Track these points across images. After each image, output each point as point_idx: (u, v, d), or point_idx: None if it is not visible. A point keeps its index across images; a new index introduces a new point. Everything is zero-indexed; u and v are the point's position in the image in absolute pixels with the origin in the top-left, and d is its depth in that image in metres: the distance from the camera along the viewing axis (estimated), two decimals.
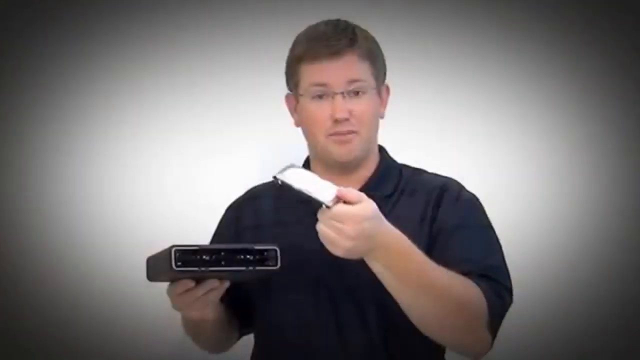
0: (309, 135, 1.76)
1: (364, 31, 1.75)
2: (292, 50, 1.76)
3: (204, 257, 1.51)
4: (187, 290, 1.59)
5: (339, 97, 1.68)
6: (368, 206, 1.49)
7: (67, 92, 2.34)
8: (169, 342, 2.31)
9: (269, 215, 1.80)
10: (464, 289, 1.58)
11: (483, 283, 1.60)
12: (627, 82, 2.38)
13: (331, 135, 1.71)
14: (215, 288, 1.60)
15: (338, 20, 1.75)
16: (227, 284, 1.62)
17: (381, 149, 1.82)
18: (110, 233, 2.32)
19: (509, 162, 2.37)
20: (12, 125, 2.33)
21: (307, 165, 1.81)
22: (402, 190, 1.75)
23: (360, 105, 1.70)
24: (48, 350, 2.31)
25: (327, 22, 1.74)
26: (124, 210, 2.34)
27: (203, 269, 1.50)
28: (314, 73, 1.70)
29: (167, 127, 2.36)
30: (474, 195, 1.76)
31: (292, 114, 1.80)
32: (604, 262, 2.35)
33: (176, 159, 2.36)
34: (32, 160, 2.33)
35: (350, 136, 1.70)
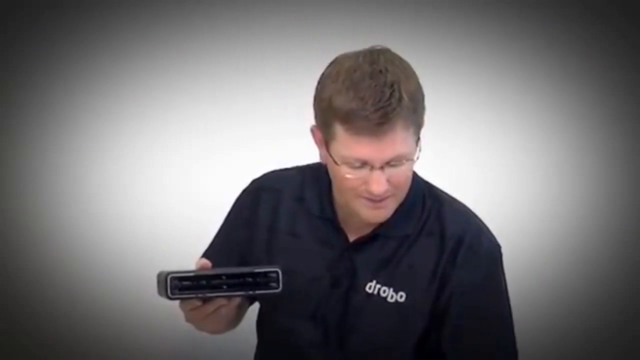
0: (336, 187, 1.64)
1: (406, 77, 1.55)
2: (324, 91, 1.56)
3: (201, 282, 1.47)
4: (196, 308, 1.55)
5: (378, 172, 1.54)
6: None
7: (66, 92, 2.35)
8: (170, 341, 2.32)
9: (285, 222, 1.72)
10: None
11: None
12: (628, 82, 2.38)
13: (362, 198, 1.58)
14: (225, 305, 1.55)
15: (383, 76, 1.52)
16: (238, 301, 1.57)
17: None
18: (110, 233, 2.32)
19: (509, 162, 2.37)
20: (11, 125, 2.34)
21: (327, 185, 1.68)
22: (421, 229, 1.66)
23: (399, 174, 1.56)
24: (48, 350, 2.31)
25: (370, 76, 1.52)
26: (123, 211, 2.34)
27: (200, 295, 1.47)
28: (354, 147, 1.53)
29: (167, 127, 2.36)
30: (494, 248, 1.68)
31: (318, 147, 1.65)
32: (605, 262, 2.35)
33: (176, 159, 2.36)
34: (31, 160, 2.33)
35: (384, 202, 1.58)
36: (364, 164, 1.54)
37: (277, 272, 1.48)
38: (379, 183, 1.54)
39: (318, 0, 2.30)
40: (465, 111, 2.37)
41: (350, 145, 1.53)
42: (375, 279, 1.64)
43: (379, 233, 1.65)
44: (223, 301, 1.53)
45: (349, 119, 1.51)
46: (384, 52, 1.58)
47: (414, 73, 1.59)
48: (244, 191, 1.80)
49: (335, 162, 1.57)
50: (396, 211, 1.63)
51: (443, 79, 2.36)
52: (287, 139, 2.29)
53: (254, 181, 1.80)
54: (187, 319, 1.62)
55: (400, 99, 1.51)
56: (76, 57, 2.34)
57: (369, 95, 1.50)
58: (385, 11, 2.31)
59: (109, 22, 2.35)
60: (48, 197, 2.32)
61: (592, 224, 2.35)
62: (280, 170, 1.81)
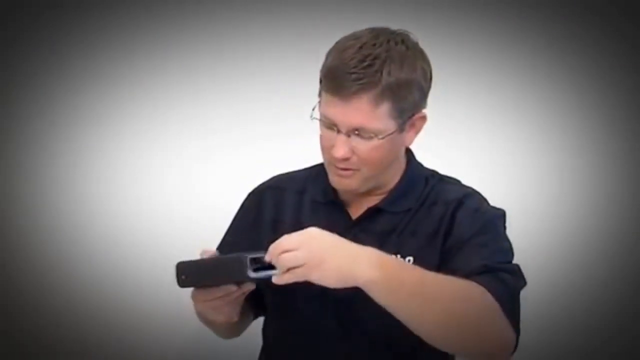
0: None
1: (400, 60, 1.59)
2: (325, 58, 1.64)
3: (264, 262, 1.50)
4: (224, 295, 1.57)
5: (341, 137, 1.61)
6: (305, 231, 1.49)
7: (66, 92, 2.35)
8: (171, 341, 2.32)
9: (289, 213, 1.77)
10: (457, 286, 1.53)
11: (479, 277, 1.56)
12: (628, 82, 2.38)
13: (331, 164, 1.66)
14: (246, 291, 1.58)
15: (372, 48, 1.58)
16: (253, 287, 1.60)
17: (409, 154, 1.75)
18: (110, 233, 2.33)
19: (509, 162, 2.38)
20: (11, 125, 2.34)
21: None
22: (422, 202, 1.70)
23: (366, 147, 1.61)
24: (48, 349, 2.31)
25: (360, 46, 1.58)
26: (124, 210, 2.34)
27: (273, 272, 1.48)
28: (326, 106, 1.61)
29: (167, 127, 2.37)
30: (496, 211, 1.70)
31: None
32: (605, 262, 2.35)
33: (176, 159, 2.37)
34: (31, 161, 2.34)
35: (348, 172, 1.64)
36: (333, 125, 1.61)
37: None
38: (338, 147, 1.60)
39: (318, 0, 2.31)
40: (465, 111, 2.37)
41: (325, 103, 1.61)
42: (381, 248, 1.63)
43: (382, 208, 1.69)
44: (251, 286, 1.57)
45: (328, 77, 1.59)
46: (398, 34, 1.63)
47: (416, 64, 1.62)
48: (250, 193, 1.85)
49: (320, 123, 1.64)
50: (396, 188, 1.70)
51: (443, 78, 2.36)
52: (287, 139, 2.30)
53: (261, 183, 1.85)
54: (203, 308, 1.61)
55: (377, 72, 1.56)
56: (76, 57, 2.35)
57: (350, 59, 1.57)
58: (385, 10, 2.31)
59: (109, 23, 2.35)
60: (47, 197, 2.33)
61: (592, 224, 2.35)
62: (287, 172, 1.85)
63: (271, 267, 1.49)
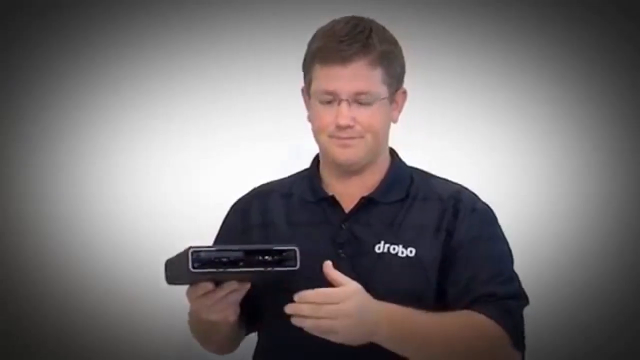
0: (314, 134, 1.74)
1: (383, 32, 1.71)
2: (308, 46, 1.73)
3: (222, 258, 1.48)
4: (207, 293, 1.56)
5: (344, 104, 1.66)
6: (350, 286, 1.51)
7: (66, 92, 2.35)
8: (170, 342, 2.32)
9: (278, 215, 1.78)
10: (466, 325, 1.60)
11: (486, 308, 1.62)
12: (628, 82, 2.38)
13: (333, 137, 1.69)
14: (236, 290, 1.57)
15: (358, 20, 1.70)
16: (248, 286, 1.59)
17: (393, 153, 1.80)
18: (109, 233, 2.33)
19: (509, 162, 2.38)
20: (11, 125, 2.34)
21: (316, 164, 1.79)
22: (415, 196, 1.74)
23: (366, 114, 1.67)
24: (47, 349, 2.31)
25: (347, 21, 1.69)
26: (123, 210, 2.34)
27: (221, 270, 1.47)
28: (323, 78, 1.68)
29: (167, 127, 2.37)
30: (488, 206, 1.76)
31: (306, 108, 1.78)
32: (605, 262, 2.35)
33: (176, 159, 2.37)
34: (31, 160, 2.34)
35: (353, 141, 1.68)
36: (332, 96, 1.67)
37: (294, 250, 1.51)
38: (342, 115, 1.66)
39: (317, 0, 2.31)
40: (465, 111, 2.38)
41: (321, 78, 1.67)
42: (382, 239, 1.69)
43: (373, 198, 1.72)
44: (234, 285, 1.56)
45: (321, 52, 1.67)
46: (374, 21, 1.73)
47: (395, 41, 1.73)
48: (235, 202, 1.86)
49: (310, 95, 1.70)
50: (385, 179, 1.75)
51: (443, 78, 2.36)
52: (287, 139, 2.30)
53: (244, 194, 1.87)
54: (194, 306, 1.61)
55: (368, 38, 1.66)
56: (76, 57, 2.35)
57: (340, 30, 1.67)
58: (385, 10, 2.30)
59: (109, 23, 2.35)
60: (47, 197, 2.33)
61: (592, 223, 2.35)
62: (269, 181, 1.87)
63: (234, 262, 1.48)
